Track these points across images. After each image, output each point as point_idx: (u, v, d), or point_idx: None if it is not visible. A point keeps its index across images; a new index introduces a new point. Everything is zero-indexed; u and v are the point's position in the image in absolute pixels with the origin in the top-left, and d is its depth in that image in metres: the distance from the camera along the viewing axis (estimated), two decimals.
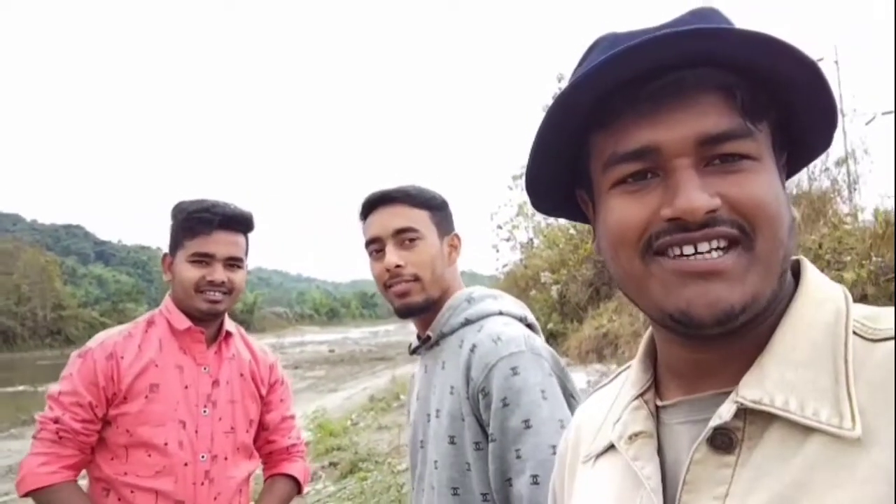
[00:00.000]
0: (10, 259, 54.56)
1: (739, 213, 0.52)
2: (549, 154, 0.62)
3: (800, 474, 0.49)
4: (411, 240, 1.35)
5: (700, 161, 0.53)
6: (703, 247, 0.52)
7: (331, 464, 7.41)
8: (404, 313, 1.37)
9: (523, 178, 0.67)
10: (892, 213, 5.68)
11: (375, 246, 1.38)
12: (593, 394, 0.78)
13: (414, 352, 1.45)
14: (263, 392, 1.91)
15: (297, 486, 1.96)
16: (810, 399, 0.50)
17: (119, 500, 1.68)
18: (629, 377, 0.69)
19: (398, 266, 1.33)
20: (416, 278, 1.34)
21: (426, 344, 1.39)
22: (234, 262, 1.77)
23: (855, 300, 0.56)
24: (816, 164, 7.50)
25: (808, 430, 0.50)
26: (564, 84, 0.61)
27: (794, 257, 0.59)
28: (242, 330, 1.98)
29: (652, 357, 0.67)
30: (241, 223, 1.80)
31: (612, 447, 0.65)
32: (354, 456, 7.08)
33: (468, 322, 1.33)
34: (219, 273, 1.74)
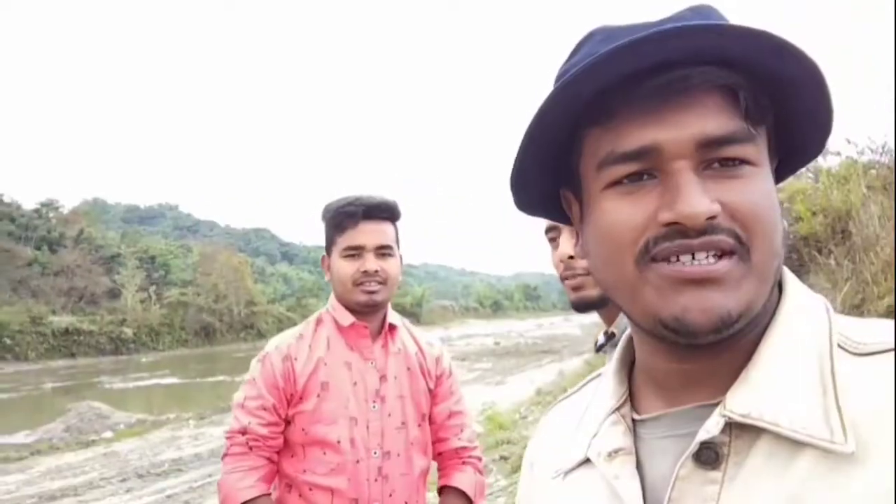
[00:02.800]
0: (209, 261, 60.92)
1: (738, 220, 0.51)
2: (538, 151, 0.59)
3: (791, 490, 0.47)
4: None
5: (700, 164, 0.52)
6: (701, 255, 0.51)
7: (501, 457, 7.40)
8: (579, 307, 1.31)
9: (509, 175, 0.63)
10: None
11: (552, 234, 1.34)
12: (557, 404, 0.76)
13: (599, 349, 1.34)
14: (431, 385, 1.86)
15: (470, 502, 1.85)
16: (800, 413, 0.49)
17: (300, 496, 1.72)
18: (600, 389, 0.66)
19: (570, 257, 1.27)
20: (589, 272, 1.22)
21: (612, 341, 1.27)
22: (384, 251, 1.77)
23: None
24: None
25: (797, 445, 0.48)
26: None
27: None
28: (408, 322, 1.96)
29: (626, 369, 0.64)
30: (385, 211, 1.81)
31: (585, 462, 0.62)
32: (524, 449, 6.99)
33: None
34: (371, 262, 1.75)
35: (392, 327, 1.86)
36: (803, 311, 0.55)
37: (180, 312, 53.06)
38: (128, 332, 47.99)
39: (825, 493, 0.46)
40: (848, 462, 0.46)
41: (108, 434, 12.23)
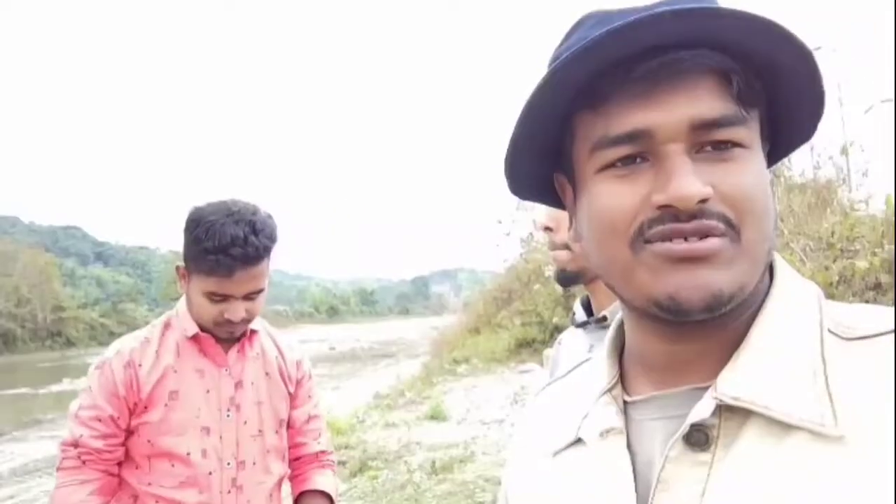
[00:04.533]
0: (9, 261, 54.45)
1: (729, 204, 0.51)
2: (531, 136, 0.59)
3: (779, 472, 0.48)
4: None
5: (692, 147, 0.52)
6: (693, 239, 0.51)
7: (339, 462, 7.37)
8: (561, 282, 1.35)
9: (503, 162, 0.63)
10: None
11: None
12: (546, 388, 0.76)
13: (582, 325, 1.34)
14: (291, 389, 1.81)
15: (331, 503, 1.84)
16: (789, 396, 0.49)
17: None
18: (592, 371, 0.67)
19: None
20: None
21: (601, 322, 1.27)
22: (255, 294, 1.63)
23: (868, 288, 0.54)
24: (820, 153, 7.56)
25: (786, 428, 0.49)
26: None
27: None
28: (268, 325, 1.87)
29: (618, 352, 0.65)
30: (266, 252, 1.58)
31: (576, 442, 0.63)
32: (363, 454, 7.04)
33: None
34: (238, 311, 1.60)
35: (252, 332, 1.76)
36: (794, 295, 0.56)
37: None
38: None
39: (814, 476, 0.46)
40: (837, 445, 0.47)
41: None
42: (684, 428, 0.52)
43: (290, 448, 1.85)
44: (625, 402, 0.61)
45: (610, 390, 0.62)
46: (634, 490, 0.55)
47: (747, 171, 0.52)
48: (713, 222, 0.50)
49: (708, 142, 0.52)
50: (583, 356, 0.78)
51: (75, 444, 1.61)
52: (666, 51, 0.51)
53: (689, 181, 0.50)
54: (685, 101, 0.51)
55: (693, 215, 0.50)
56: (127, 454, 1.66)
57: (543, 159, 0.63)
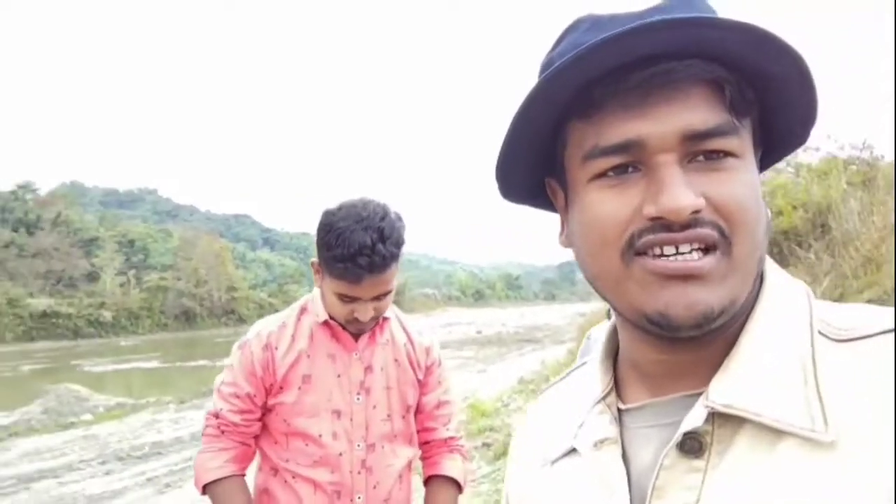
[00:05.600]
0: (189, 246, 60.47)
1: (721, 214, 0.51)
2: (522, 141, 0.58)
3: (771, 478, 0.48)
4: None
5: (684, 157, 0.52)
6: (685, 248, 0.51)
7: (484, 444, 7.45)
8: None
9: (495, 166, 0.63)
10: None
11: None
12: (543, 393, 0.76)
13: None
14: (420, 376, 1.84)
15: (459, 489, 1.86)
16: (780, 402, 0.49)
17: (285, 483, 1.70)
18: (585, 378, 0.67)
19: None
20: None
21: None
22: (383, 295, 1.64)
23: None
24: None
25: (779, 434, 0.49)
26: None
27: None
28: (400, 312, 1.91)
29: (611, 358, 0.65)
30: (393, 259, 1.59)
31: (571, 451, 0.63)
32: (507, 437, 7.05)
33: None
34: (367, 311, 1.63)
35: (383, 319, 1.79)
36: (783, 298, 0.55)
37: (160, 297, 52.67)
38: (107, 315, 47.51)
39: (805, 482, 0.46)
40: (828, 449, 0.47)
41: (88, 416, 12.12)
42: (678, 436, 0.52)
43: (420, 432, 1.88)
44: (619, 410, 0.61)
45: (604, 398, 0.62)
46: (629, 499, 0.55)
47: (739, 181, 0.51)
48: (707, 230, 0.50)
49: (700, 152, 0.51)
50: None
51: (216, 416, 1.73)
52: (658, 60, 0.50)
53: (680, 193, 0.49)
54: (677, 112, 0.51)
55: (686, 225, 0.50)
56: (267, 429, 1.75)
57: (535, 165, 0.62)
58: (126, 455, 8.67)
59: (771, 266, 0.58)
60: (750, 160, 0.54)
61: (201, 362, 22.87)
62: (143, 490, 7.05)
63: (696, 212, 0.50)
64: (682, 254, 0.51)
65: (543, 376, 11.86)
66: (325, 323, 1.73)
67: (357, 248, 1.53)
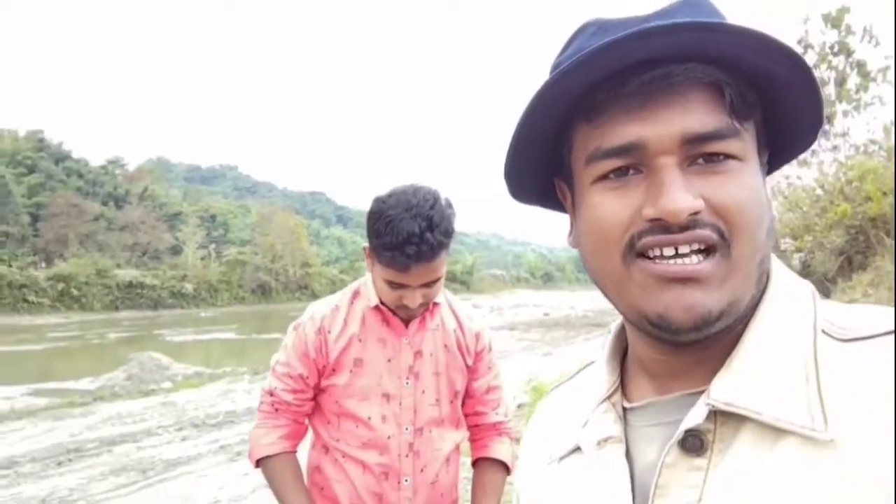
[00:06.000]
0: (266, 222, 62.39)
1: (721, 216, 0.51)
2: (530, 143, 0.59)
3: (771, 477, 0.48)
4: None
5: (684, 160, 0.52)
6: (684, 249, 0.51)
7: None
8: None
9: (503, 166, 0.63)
10: None
11: None
12: (553, 391, 0.76)
13: None
14: (469, 362, 1.83)
15: (507, 471, 1.87)
16: (781, 400, 0.49)
17: (336, 461, 1.73)
18: (593, 376, 0.67)
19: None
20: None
21: None
22: (432, 283, 1.63)
23: None
24: None
25: (780, 433, 0.49)
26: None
27: None
28: (451, 297, 1.90)
29: (618, 357, 0.65)
30: (442, 248, 1.56)
31: (577, 449, 0.63)
32: None
33: None
34: (415, 298, 1.62)
35: (434, 304, 1.78)
36: (788, 297, 0.55)
37: (238, 270, 54.59)
38: (188, 287, 49.64)
39: (804, 480, 0.46)
40: (828, 448, 0.47)
41: (167, 384, 12.71)
42: (679, 434, 0.52)
43: (469, 416, 1.89)
44: (625, 409, 0.61)
45: (609, 397, 0.62)
46: (632, 497, 0.55)
47: (739, 184, 0.52)
48: (706, 232, 0.51)
49: (700, 154, 0.52)
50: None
51: (271, 394, 1.77)
52: (659, 64, 0.51)
53: (679, 195, 0.50)
54: (677, 115, 0.51)
55: (685, 227, 0.50)
56: (320, 408, 1.78)
57: (543, 165, 0.63)
58: (202, 422, 9.02)
59: (776, 263, 0.58)
60: (752, 163, 0.54)
61: (275, 335, 23.57)
62: (216, 457, 7.31)
63: (695, 214, 0.50)
64: (682, 256, 0.51)
65: None
66: (377, 308, 1.74)
67: (405, 236, 1.52)
